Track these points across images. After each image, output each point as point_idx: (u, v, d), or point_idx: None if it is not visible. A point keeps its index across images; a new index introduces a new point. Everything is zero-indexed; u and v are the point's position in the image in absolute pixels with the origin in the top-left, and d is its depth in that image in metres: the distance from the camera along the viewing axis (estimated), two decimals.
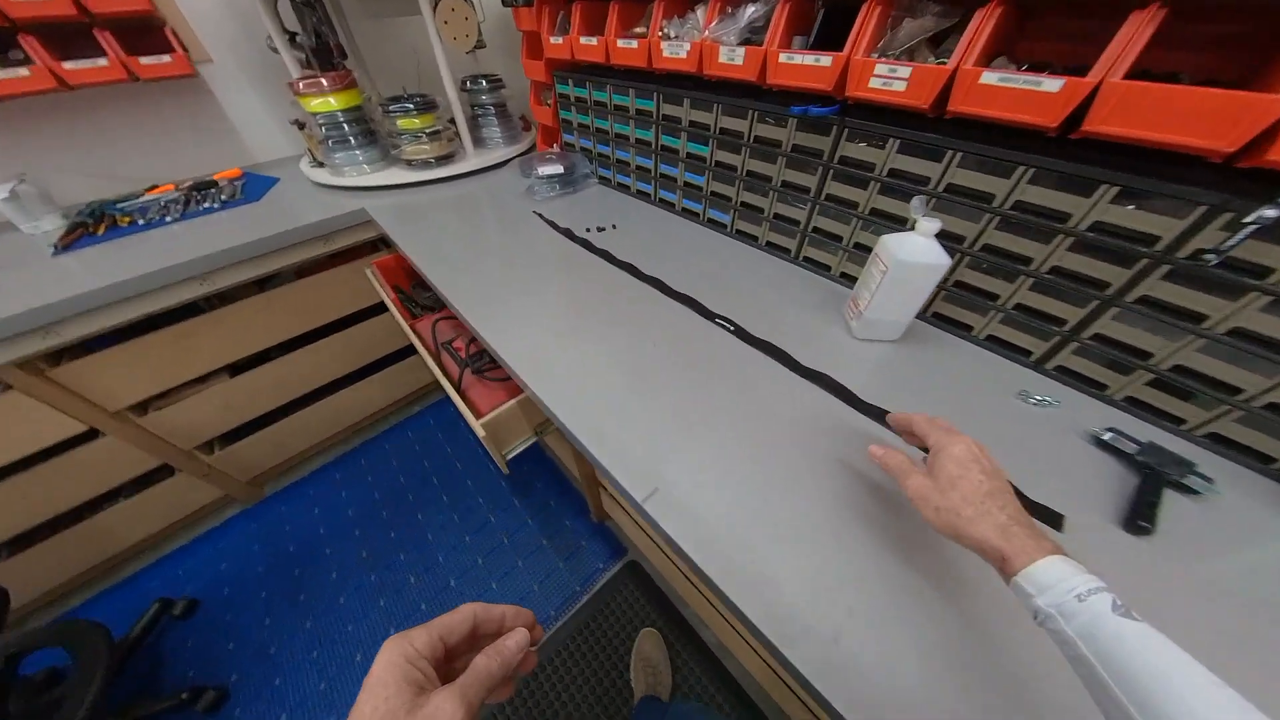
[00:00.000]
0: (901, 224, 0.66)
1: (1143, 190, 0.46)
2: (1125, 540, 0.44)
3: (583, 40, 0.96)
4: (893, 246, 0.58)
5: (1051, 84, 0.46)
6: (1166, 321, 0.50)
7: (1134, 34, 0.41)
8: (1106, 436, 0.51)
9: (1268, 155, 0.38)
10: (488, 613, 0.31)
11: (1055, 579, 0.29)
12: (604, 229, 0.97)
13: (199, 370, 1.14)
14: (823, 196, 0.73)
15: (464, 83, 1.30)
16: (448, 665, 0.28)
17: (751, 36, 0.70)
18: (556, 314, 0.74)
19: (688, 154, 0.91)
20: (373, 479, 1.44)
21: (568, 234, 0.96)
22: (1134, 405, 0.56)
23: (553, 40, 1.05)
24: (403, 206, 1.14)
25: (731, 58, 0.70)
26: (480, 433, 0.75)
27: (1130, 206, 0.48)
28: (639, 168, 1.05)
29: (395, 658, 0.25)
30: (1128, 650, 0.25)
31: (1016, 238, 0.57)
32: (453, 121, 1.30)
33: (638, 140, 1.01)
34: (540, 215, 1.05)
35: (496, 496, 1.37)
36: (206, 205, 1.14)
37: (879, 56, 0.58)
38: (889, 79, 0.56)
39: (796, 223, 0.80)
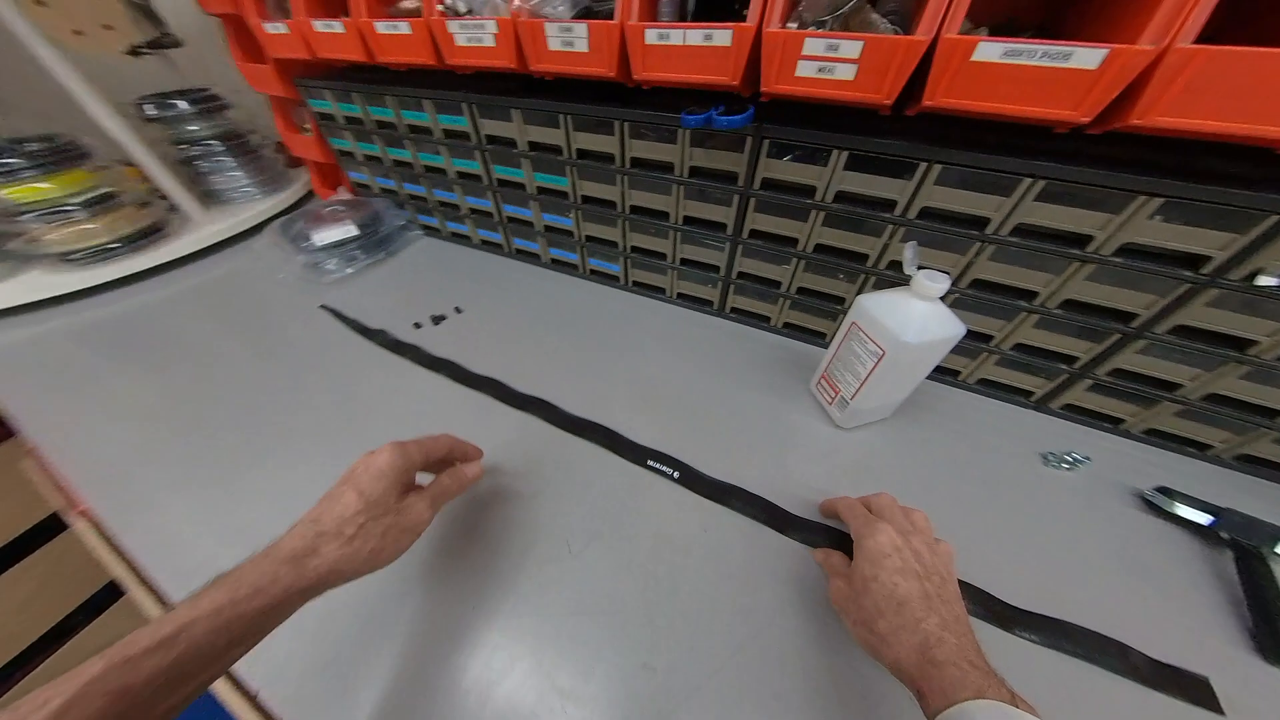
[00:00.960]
0: (860, 261, 0.48)
1: (1193, 200, 0.33)
2: (1273, 676, 0.32)
3: (319, 27, 0.59)
4: (887, 320, 0.39)
5: (1088, 56, 0.29)
6: (1205, 351, 0.39)
7: None
8: (1179, 511, 0.40)
9: None
10: (459, 445, 0.38)
11: None
12: (443, 317, 0.64)
13: None
14: (745, 234, 0.52)
15: (140, 108, 0.80)
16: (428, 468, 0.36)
17: (594, 6, 0.43)
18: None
19: (539, 189, 0.62)
20: None
21: (385, 341, 0.60)
22: (1154, 436, 0.47)
23: (269, 30, 0.65)
24: (76, 334, 0.65)
25: (569, 43, 0.43)
26: None
27: (1158, 219, 0.35)
28: (475, 211, 0.73)
29: (398, 460, 0.31)
30: None
31: (1017, 269, 0.42)
32: (141, 174, 0.79)
33: (460, 175, 0.68)
34: (333, 311, 0.67)
35: None
36: None
37: (807, 26, 0.36)
38: (828, 63, 0.35)
39: (715, 268, 0.58)
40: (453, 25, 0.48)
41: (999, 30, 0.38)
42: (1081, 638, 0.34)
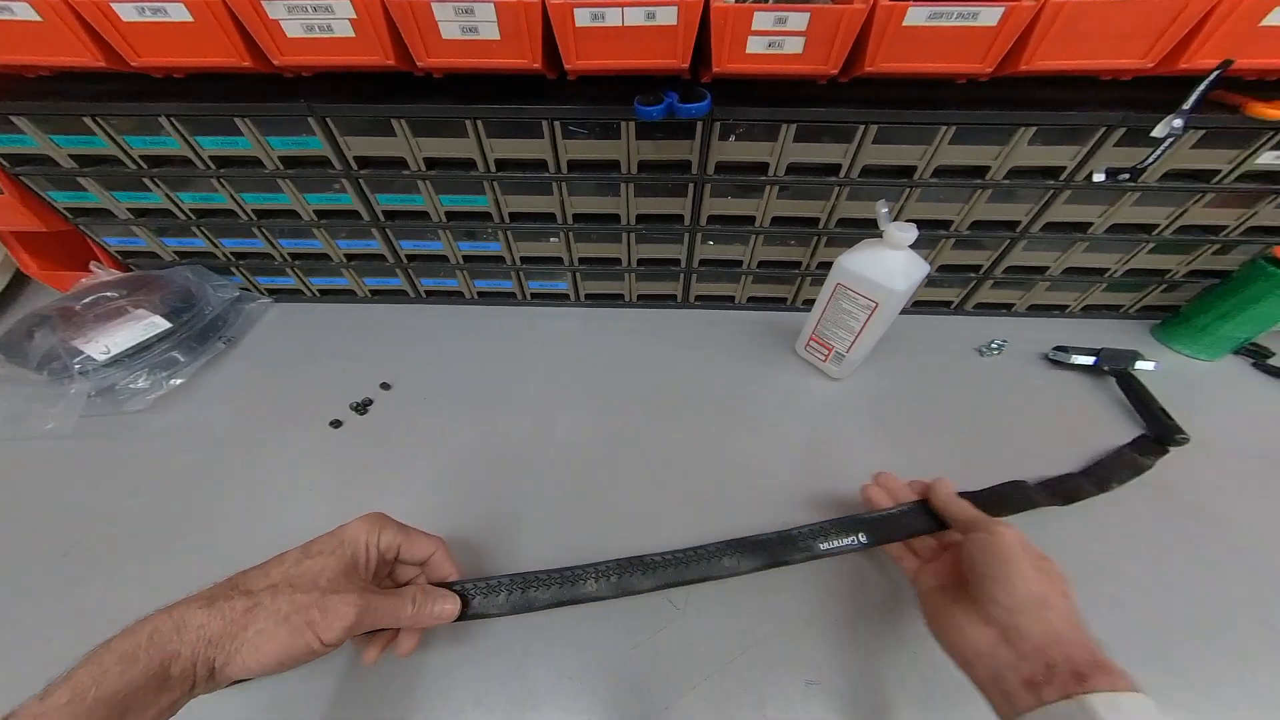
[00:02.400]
0: (813, 225, 0.51)
1: (1055, 125, 0.42)
2: (1183, 455, 0.46)
3: None
4: (872, 275, 0.42)
5: (990, 14, 0.34)
6: (1064, 237, 0.52)
7: None
8: (1074, 360, 0.53)
9: (1178, 64, 0.37)
10: (446, 560, 0.31)
11: None
12: (368, 402, 0.50)
13: None
14: (703, 221, 0.51)
15: None
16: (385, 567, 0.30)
17: None
18: None
19: (449, 214, 0.52)
20: None
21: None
22: (1033, 310, 0.61)
23: None
24: None
25: (472, 29, 0.35)
26: None
27: (1031, 144, 0.44)
28: (357, 256, 0.58)
29: (363, 536, 0.27)
30: None
31: (937, 204, 0.49)
32: None
33: (323, 214, 0.53)
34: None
35: None
36: None
37: (748, 1, 0.35)
38: (777, 37, 0.35)
39: (675, 262, 0.56)
40: (276, 8, 0.35)
41: None
42: (1120, 471, 0.44)
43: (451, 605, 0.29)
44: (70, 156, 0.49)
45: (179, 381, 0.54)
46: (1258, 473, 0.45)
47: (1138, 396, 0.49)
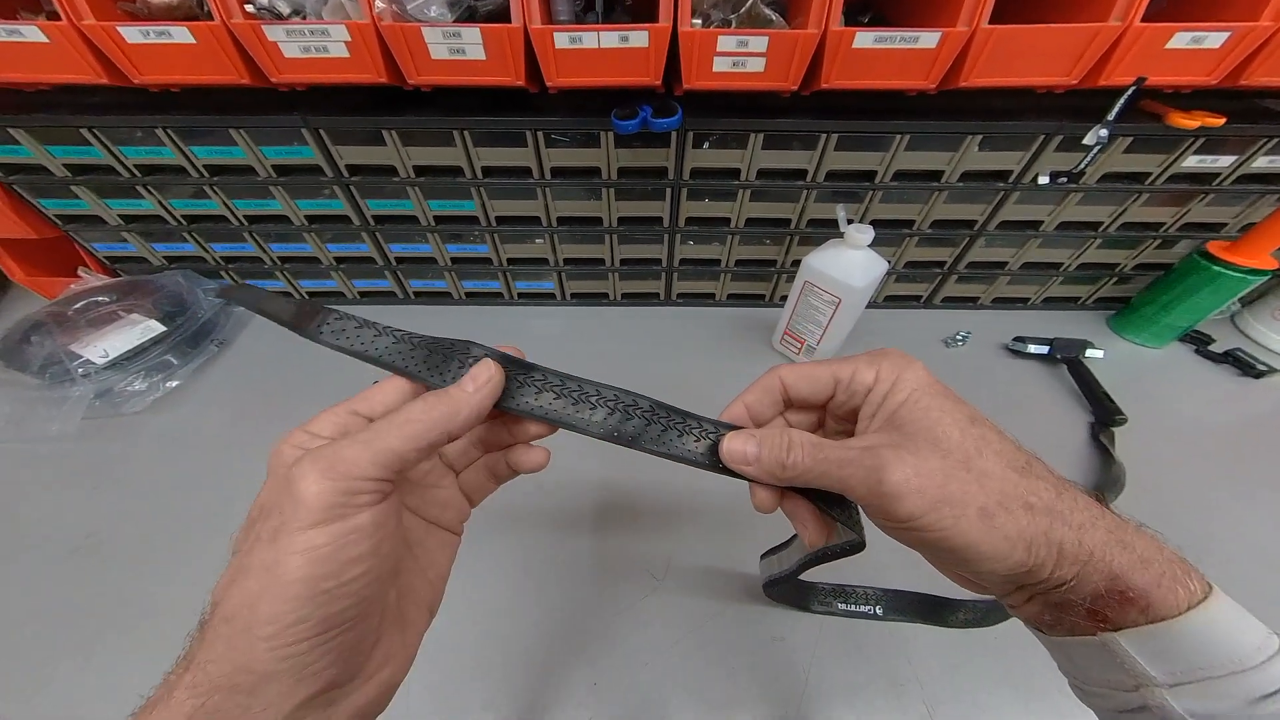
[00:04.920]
0: (785, 226, 0.57)
1: (998, 133, 0.48)
2: (1125, 434, 0.52)
3: None
4: (834, 273, 0.47)
5: (929, 38, 0.39)
6: (1018, 234, 0.58)
7: None
8: (1030, 349, 0.59)
9: (1099, 80, 0.42)
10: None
11: (1232, 650, 0.15)
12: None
13: None
14: (682, 222, 0.56)
15: None
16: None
17: (476, 6, 0.40)
18: None
19: (437, 218, 0.56)
20: None
21: None
22: (997, 302, 0.67)
23: None
24: None
25: (459, 50, 0.40)
26: None
27: (980, 150, 0.49)
28: (345, 259, 0.62)
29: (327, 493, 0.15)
30: None
31: (898, 205, 0.55)
32: None
33: (313, 219, 0.57)
34: None
35: None
36: None
37: (711, 24, 0.40)
38: (740, 57, 0.40)
39: (656, 261, 0.61)
40: (275, 32, 0.39)
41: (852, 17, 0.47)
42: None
43: (486, 373, 0.20)
44: (64, 166, 0.52)
45: (175, 384, 0.57)
46: (1188, 448, 0.51)
47: (1085, 382, 0.55)
